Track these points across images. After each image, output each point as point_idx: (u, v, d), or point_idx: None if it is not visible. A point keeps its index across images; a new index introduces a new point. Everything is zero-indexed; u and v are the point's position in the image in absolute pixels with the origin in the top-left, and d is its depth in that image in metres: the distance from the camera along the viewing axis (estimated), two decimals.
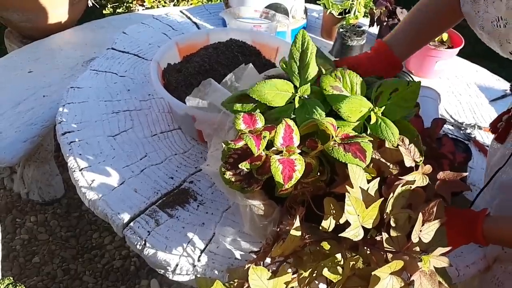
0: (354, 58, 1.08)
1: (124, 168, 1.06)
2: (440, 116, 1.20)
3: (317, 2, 1.68)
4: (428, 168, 0.73)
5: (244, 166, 0.70)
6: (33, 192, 1.98)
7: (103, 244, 1.91)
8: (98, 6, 2.56)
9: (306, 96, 0.82)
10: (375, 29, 1.67)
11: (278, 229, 0.73)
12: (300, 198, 0.73)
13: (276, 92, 0.81)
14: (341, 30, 1.51)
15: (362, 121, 0.78)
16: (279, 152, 0.70)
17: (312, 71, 0.83)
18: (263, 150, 0.70)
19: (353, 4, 1.59)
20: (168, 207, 0.99)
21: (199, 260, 0.90)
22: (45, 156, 1.88)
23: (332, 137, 0.70)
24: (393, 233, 0.65)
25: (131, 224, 0.94)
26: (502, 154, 0.97)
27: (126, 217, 0.95)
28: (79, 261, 1.85)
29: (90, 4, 2.37)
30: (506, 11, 0.80)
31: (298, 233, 0.66)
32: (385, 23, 1.59)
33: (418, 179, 0.71)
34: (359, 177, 0.67)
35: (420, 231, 0.64)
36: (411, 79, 1.38)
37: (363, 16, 1.64)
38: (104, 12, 2.97)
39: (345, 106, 0.77)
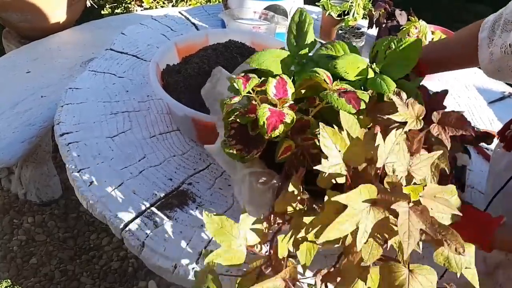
0: None
1: (122, 169, 1.06)
2: None
3: (316, 3, 1.68)
4: (421, 109, 0.67)
5: (239, 118, 0.71)
6: (30, 193, 1.97)
7: (101, 245, 1.91)
8: (96, 7, 2.56)
9: (304, 61, 0.83)
10: (374, 31, 1.67)
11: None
12: (299, 163, 0.71)
13: (274, 59, 0.82)
14: (340, 31, 1.51)
15: (360, 81, 0.77)
16: (273, 106, 0.70)
17: (310, 39, 0.84)
18: (257, 103, 0.70)
19: (352, 5, 1.59)
20: (167, 209, 0.98)
21: (197, 262, 0.89)
22: (43, 157, 1.87)
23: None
24: (387, 179, 0.59)
25: (130, 226, 0.94)
26: (508, 160, 0.96)
27: (124, 219, 0.95)
28: (76, 262, 1.84)
29: (88, 4, 2.36)
30: None
31: (296, 187, 0.64)
32: (384, 25, 1.59)
33: (411, 121, 0.65)
34: (351, 126, 0.63)
35: (410, 166, 0.58)
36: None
37: (362, 18, 1.64)
38: (102, 12, 2.97)
39: (340, 62, 0.76)
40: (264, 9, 1.56)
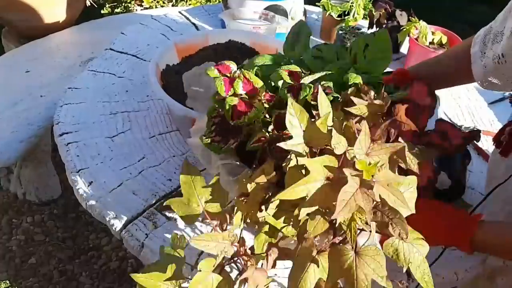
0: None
1: (122, 169, 1.06)
2: (439, 118, 1.20)
3: (317, 3, 1.68)
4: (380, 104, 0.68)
5: (218, 104, 0.75)
6: (29, 193, 1.97)
7: (100, 245, 1.90)
8: (96, 6, 2.55)
9: (291, 61, 0.88)
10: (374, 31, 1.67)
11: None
12: (271, 155, 0.72)
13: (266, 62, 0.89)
14: (340, 32, 1.51)
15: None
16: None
17: (304, 47, 0.91)
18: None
19: (352, 6, 1.59)
20: (166, 210, 0.98)
21: (197, 263, 0.89)
22: (42, 157, 1.87)
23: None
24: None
25: (129, 226, 0.94)
26: (507, 165, 0.96)
27: (123, 219, 0.95)
28: (75, 262, 1.84)
29: (88, 4, 2.36)
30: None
31: (268, 170, 0.64)
32: (384, 25, 1.59)
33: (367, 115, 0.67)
34: (326, 110, 0.63)
35: (369, 151, 0.57)
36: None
37: (362, 18, 1.64)
38: (102, 12, 2.96)
39: (334, 68, 0.81)
40: (264, 9, 1.56)
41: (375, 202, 0.53)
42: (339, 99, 0.73)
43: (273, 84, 0.81)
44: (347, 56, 0.87)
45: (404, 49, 1.66)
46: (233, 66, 0.79)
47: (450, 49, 1.09)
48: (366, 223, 0.55)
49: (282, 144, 0.58)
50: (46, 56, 1.92)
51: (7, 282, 1.75)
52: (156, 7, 2.83)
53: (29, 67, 1.84)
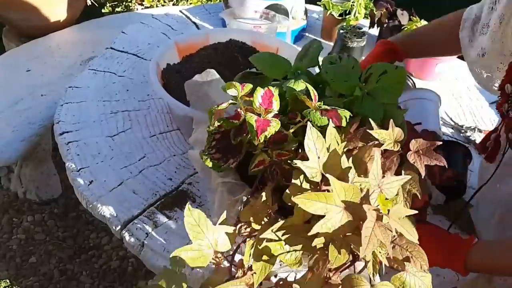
0: (363, 62, 1.10)
1: (122, 169, 1.06)
2: (440, 119, 1.20)
3: (318, 3, 1.67)
4: (399, 133, 0.69)
5: (223, 122, 0.72)
6: (30, 192, 1.97)
7: (100, 244, 1.90)
8: (97, 5, 2.55)
9: (298, 72, 0.86)
10: (375, 31, 1.67)
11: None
12: (271, 178, 0.71)
13: (275, 63, 0.88)
14: (341, 31, 1.51)
15: (347, 99, 0.78)
16: (257, 115, 0.71)
17: (311, 60, 0.89)
18: (243, 111, 0.72)
19: (353, 5, 1.58)
20: (167, 209, 0.98)
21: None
22: (42, 156, 1.87)
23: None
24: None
25: (129, 225, 0.94)
26: (496, 173, 0.95)
27: (124, 218, 0.94)
28: (76, 262, 1.84)
29: (89, 3, 2.36)
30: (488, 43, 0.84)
31: (268, 197, 0.64)
32: (385, 25, 1.58)
33: (388, 142, 0.67)
34: (333, 139, 0.64)
35: (381, 184, 0.58)
36: (411, 81, 1.38)
37: (364, 18, 1.64)
38: (103, 11, 2.96)
39: (331, 71, 0.79)
40: (265, 8, 1.55)
41: (393, 236, 0.54)
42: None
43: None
44: (356, 72, 0.84)
45: None
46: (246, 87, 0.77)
47: (434, 22, 1.11)
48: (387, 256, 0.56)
49: (299, 163, 0.58)
50: (47, 55, 1.92)
51: (8, 281, 1.75)
52: (156, 6, 2.82)
53: (29, 66, 1.84)
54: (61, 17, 2.17)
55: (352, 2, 1.58)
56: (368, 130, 0.67)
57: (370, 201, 0.56)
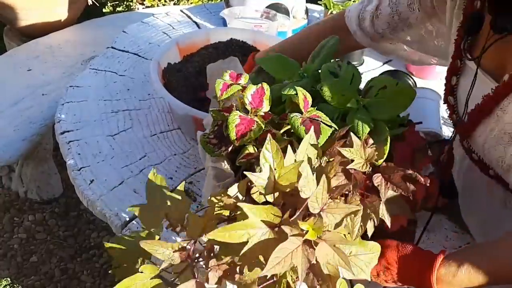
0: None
1: (123, 168, 1.06)
2: (440, 118, 1.19)
3: (318, 2, 1.67)
4: (372, 154, 0.67)
5: (213, 112, 0.74)
6: (31, 191, 1.97)
7: (101, 243, 1.90)
8: (98, 5, 2.55)
9: (305, 75, 0.85)
10: None
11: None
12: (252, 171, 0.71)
13: (282, 65, 0.88)
14: None
15: (341, 110, 0.77)
16: (247, 112, 0.72)
17: (319, 61, 0.88)
18: (236, 108, 0.72)
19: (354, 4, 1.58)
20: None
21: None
22: (43, 155, 1.87)
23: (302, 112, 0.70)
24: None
25: (130, 224, 0.94)
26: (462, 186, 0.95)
27: (125, 217, 0.95)
28: (77, 261, 1.84)
29: (90, 2, 2.36)
30: None
31: (241, 189, 0.62)
32: None
33: (358, 161, 0.65)
34: (304, 155, 0.63)
35: (324, 206, 0.55)
36: (412, 80, 1.38)
37: None
38: (104, 10, 2.97)
39: (328, 86, 0.77)
40: (266, 7, 1.55)
41: (312, 263, 0.51)
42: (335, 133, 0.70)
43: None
44: (354, 84, 0.82)
45: None
46: (244, 78, 0.78)
47: (311, 27, 1.14)
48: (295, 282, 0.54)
49: (247, 173, 0.57)
50: (48, 55, 1.92)
51: (9, 279, 1.75)
52: (157, 5, 2.83)
53: (30, 65, 1.84)
54: (62, 17, 2.18)
55: (353, 1, 1.58)
56: (336, 147, 0.66)
57: (296, 223, 0.53)
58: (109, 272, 1.78)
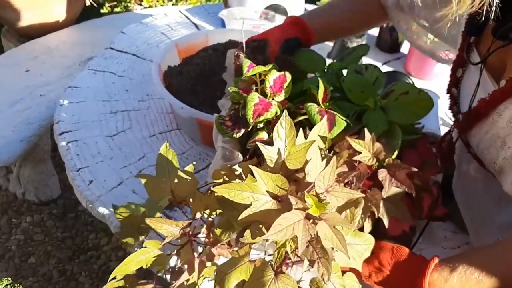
0: (265, 31, 1.02)
1: (122, 168, 1.05)
2: (439, 119, 1.20)
3: (317, 3, 1.67)
4: (379, 149, 0.67)
5: (232, 90, 0.75)
6: (29, 192, 1.96)
7: (100, 245, 1.90)
8: (96, 5, 2.55)
9: (329, 71, 0.88)
10: (375, 31, 1.67)
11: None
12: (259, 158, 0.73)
13: (309, 58, 0.91)
14: None
15: (358, 109, 0.78)
16: (265, 97, 0.74)
17: (347, 62, 0.91)
18: (254, 89, 0.74)
19: None
20: (166, 208, 0.98)
21: None
22: (41, 156, 1.86)
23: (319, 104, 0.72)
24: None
25: None
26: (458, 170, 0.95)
27: None
28: (75, 262, 1.83)
29: (88, 3, 2.36)
30: None
31: (244, 168, 0.63)
32: (384, 25, 1.58)
33: (365, 154, 0.66)
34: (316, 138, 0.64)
35: (329, 187, 0.56)
36: (410, 81, 1.38)
37: None
38: (102, 11, 2.96)
39: (350, 79, 0.79)
40: (265, 8, 1.55)
41: (311, 236, 0.52)
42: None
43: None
44: (377, 84, 0.83)
45: (404, 49, 1.65)
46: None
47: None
48: (294, 252, 0.55)
49: (259, 144, 0.58)
50: (46, 55, 1.91)
51: (6, 281, 1.75)
52: (156, 6, 2.83)
53: (29, 66, 1.84)
54: (60, 17, 2.17)
55: None
56: (346, 137, 0.67)
57: (302, 196, 0.54)
58: (107, 273, 1.78)
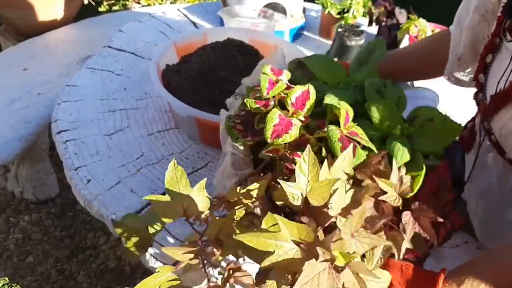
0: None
1: (120, 167, 1.05)
2: None
3: (316, 1, 1.67)
4: (407, 190, 0.65)
5: (249, 102, 0.71)
6: (27, 191, 1.96)
7: (98, 244, 1.89)
8: (94, 4, 2.54)
9: (352, 86, 0.83)
10: (373, 29, 1.66)
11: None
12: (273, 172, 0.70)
13: (331, 70, 0.87)
14: (339, 29, 1.50)
15: (382, 133, 0.75)
16: (283, 109, 0.70)
17: (370, 72, 0.87)
18: (272, 102, 0.71)
19: (351, 3, 1.58)
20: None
21: None
22: (39, 155, 1.86)
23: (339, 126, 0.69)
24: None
25: None
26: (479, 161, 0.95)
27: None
28: (73, 261, 1.83)
29: (86, 1, 2.35)
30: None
31: (262, 186, 0.61)
32: (383, 23, 1.58)
33: (390, 194, 0.64)
34: (338, 171, 0.62)
35: (355, 235, 0.55)
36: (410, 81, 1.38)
37: (362, 16, 1.64)
38: (100, 9, 2.96)
39: (375, 107, 0.75)
40: (264, 6, 1.55)
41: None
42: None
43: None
44: (400, 108, 0.80)
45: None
46: (285, 75, 0.77)
47: (423, 40, 1.13)
48: None
49: (282, 183, 0.56)
50: (44, 54, 1.91)
51: (4, 280, 1.74)
52: (154, 4, 2.82)
53: (26, 64, 1.83)
54: (58, 16, 2.17)
55: (351, 1, 1.58)
56: (374, 177, 0.64)
57: (328, 245, 0.52)
58: (106, 272, 1.78)
